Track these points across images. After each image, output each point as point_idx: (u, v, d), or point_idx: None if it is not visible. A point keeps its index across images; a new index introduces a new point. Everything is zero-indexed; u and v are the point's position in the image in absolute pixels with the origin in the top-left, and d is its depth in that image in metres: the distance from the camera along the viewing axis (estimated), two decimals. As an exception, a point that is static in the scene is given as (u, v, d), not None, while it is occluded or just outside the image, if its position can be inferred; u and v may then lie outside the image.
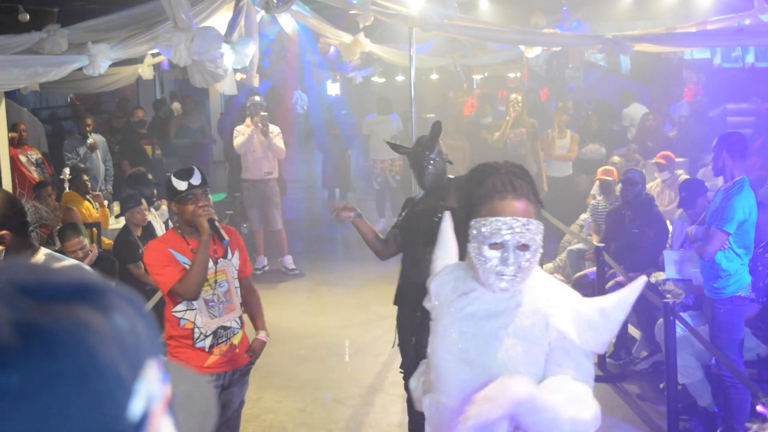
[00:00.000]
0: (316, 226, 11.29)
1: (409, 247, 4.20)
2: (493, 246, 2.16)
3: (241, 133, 8.54)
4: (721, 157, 4.63)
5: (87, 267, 2.99)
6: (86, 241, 5.58)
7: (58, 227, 5.91)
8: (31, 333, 0.57)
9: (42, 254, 2.80)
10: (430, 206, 4.15)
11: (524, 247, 2.15)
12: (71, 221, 6.24)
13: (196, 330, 3.63)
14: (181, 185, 3.53)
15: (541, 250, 2.20)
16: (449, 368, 2.24)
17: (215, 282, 3.66)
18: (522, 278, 2.17)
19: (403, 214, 4.32)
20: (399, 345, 4.33)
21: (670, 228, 6.56)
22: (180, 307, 3.62)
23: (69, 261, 2.95)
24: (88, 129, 9.23)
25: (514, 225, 2.15)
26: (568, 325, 2.14)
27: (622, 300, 2.17)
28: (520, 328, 2.17)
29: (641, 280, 2.21)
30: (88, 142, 9.13)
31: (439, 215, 3.99)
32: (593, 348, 2.16)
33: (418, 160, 4.22)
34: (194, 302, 3.61)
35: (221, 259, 3.70)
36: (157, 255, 3.59)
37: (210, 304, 3.65)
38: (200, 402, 0.77)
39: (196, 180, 3.55)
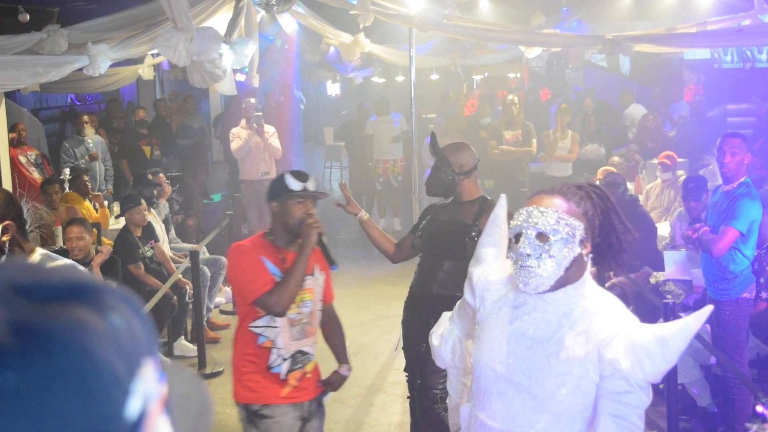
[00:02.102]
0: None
1: (427, 255, 4.14)
2: (516, 239, 2.11)
3: (238, 137, 8.55)
4: (744, 158, 4.56)
5: (81, 267, 2.99)
6: (88, 236, 5.56)
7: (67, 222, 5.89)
8: (28, 333, 0.57)
9: (38, 254, 2.81)
10: (452, 220, 4.09)
11: (543, 237, 2.06)
12: (83, 218, 6.25)
13: (273, 351, 3.28)
14: (295, 184, 3.26)
15: (573, 246, 2.08)
16: (492, 387, 2.16)
17: (301, 300, 3.32)
18: (541, 275, 2.06)
19: (425, 220, 4.25)
20: (404, 349, 4.31)
21: (666, 227, 6.59)
22: (261, 322, 3.26)
23: (63, 260, 2.95)
24: (85, 127, 9.14)
25: (531, 212, 2.09)
26: (621, 356, 2.01)
27: (684, 328, 2.01)
28: (574, 360, 2.06)
29: (707, 309, 2.05)
30: (88, 142, 9.06)
31: (470, 234, 3.99)
32: (649, 378, 2.02)
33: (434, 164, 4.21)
34: (278, 319, 3.26)
35: (309, 277, 3.35)
36: (248, 259, 3.26)
37: (293, 324, 3.31)
38: (197, 401, 0.77)
39: (312, 185, 3.29)
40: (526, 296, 2.16)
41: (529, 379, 2.09)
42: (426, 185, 4.22)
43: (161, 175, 7.78)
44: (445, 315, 2.63)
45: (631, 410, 2.02)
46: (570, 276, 2.12)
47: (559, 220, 2.06)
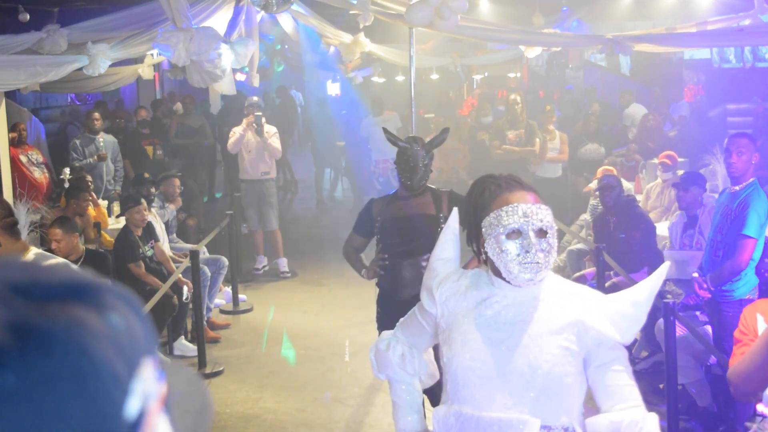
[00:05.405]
0: (317, 226, 11.29)
1: (395, 256, 3.99)
2: (511, 236, 2.14)
3: (234, 133, 8.63)
4: (752, 157, 4.56)
5: (74, 265, 2.99)
6: (68, 237, 5.48)
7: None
8: (27, 333, 0.57)
9: (32, 253, 2.81)
10: (416, 215, 3.95)
11: (542, 233, 2.15)
12: (67, 216, 6.22)
13: None
14: None
15: (556, 236, 2.23)
16: (473, 377, 2.16)
17: None
18: (546, 266, 2.15)
19: (379, 222, 4.10)
20: None
21: (664, 228, 6.60)
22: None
23: (57, 259, 2.95)
24: (96, 124, 9.07)
25: (528, 211, 2.15)
26: (605, 324, 2.14)
27: (653, 290, 2.18)
28: (553, 331, 2.14)
29: (666, 266, 2.22)
30: (99, 141, 8.99)
31: (441, 224, 3.87)
32: (624, 340, 2.17)
33: (414, 158, 4.06)
34: None
35: None
36: (746, 316, 2.54)
37: None
38: (196, 400, 0.77)
39: None
40: (492, 288, 2.23)
41: (510, 360, 2.13)
42: (418, 182, 4.08)
43: (175, 180, 7.76)
44: (385, 332, 2.59)
45: (626, 368, 2.21)
46: None
47: (552, 218, 2.20)
